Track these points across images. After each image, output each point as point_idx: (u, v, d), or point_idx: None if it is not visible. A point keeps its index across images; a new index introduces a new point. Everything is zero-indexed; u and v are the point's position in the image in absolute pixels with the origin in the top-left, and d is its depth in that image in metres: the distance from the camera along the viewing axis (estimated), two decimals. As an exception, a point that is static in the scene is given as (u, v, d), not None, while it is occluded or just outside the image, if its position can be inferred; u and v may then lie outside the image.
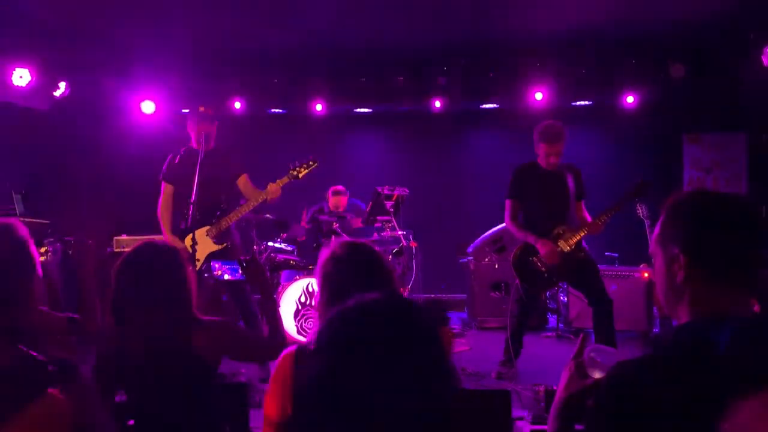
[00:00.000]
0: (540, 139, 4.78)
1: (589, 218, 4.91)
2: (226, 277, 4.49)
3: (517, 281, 4.89)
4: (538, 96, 7.48)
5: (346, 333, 1.10)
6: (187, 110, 6.82)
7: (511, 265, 4.90)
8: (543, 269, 4.79)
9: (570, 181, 4.92)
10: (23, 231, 2.14)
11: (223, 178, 4.98)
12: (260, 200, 4.90)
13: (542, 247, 4.72)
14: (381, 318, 1.10)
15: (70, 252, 2.90)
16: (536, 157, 4.89)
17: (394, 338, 1.07)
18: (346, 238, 6.38)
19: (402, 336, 1.09)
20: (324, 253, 2.09)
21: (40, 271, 2.16)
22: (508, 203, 4.95)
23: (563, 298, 6.68)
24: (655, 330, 6.19)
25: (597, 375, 1.54)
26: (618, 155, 7.92)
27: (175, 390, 2.27)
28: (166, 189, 5.07)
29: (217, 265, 4.43)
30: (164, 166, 5.09)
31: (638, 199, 4.79)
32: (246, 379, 4.69)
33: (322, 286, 2.05)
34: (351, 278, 1.99)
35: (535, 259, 4.80)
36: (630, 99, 7.43)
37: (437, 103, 7.71)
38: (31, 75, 6.52)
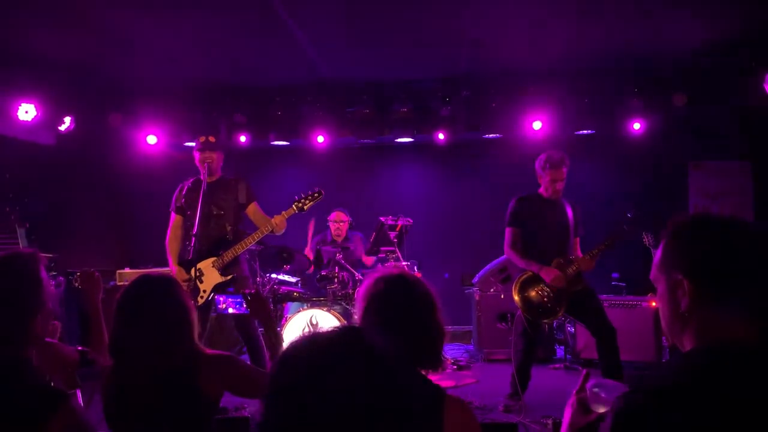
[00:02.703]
0: (546, 166, 4.81)
1: (581, 255, 4.90)
2: (231, 310, 4.44)
3: (519, 312, 4.84)
4: (537, 125, 7.31)
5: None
6: (192, 143, 6.84)
7: (513, 294, 4.85)
8: (545, 299, 4.74)
9: (570, 214, 4.94)
10: (34, 264, 2.10)
11: (229, 209, 4.97)
12: (266, 232, 4.88)
13: (547, 274, 4.69)
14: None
15: (77, 284, 2.87)
16: (537, 188, 4.94)
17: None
18: (349, 268, 6.35)
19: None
20: (375, 275, 2.05)
21: (50, 305, 2.11)
22: (508, 231, 4.94)
23: (570, 329, 6.60)
24: (664, 360, 6.09)
25: (601, 410, 1.53)
26: (622, 184, 7.88)
27: (177, 425, 2.21)
28: (174, 220, 5.08)
29: (221, 299, 4.40)
30: (173, 197, 5.10)
31: (630, 234, 4.81)
32: (249, 414, 4.62)
33: (366, 305, 2.00)
34: (397, 306, 1.96)
35: (537, 288, 4.76)
36: (636, 126, 7.38)
37: (440, 136, 7.69)
38: (36, 110, 6.57)
